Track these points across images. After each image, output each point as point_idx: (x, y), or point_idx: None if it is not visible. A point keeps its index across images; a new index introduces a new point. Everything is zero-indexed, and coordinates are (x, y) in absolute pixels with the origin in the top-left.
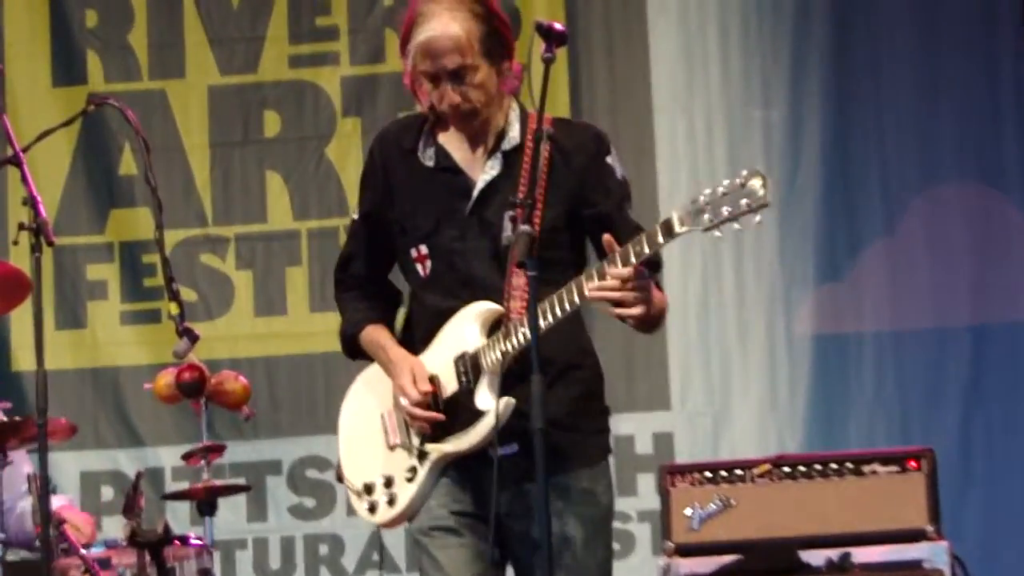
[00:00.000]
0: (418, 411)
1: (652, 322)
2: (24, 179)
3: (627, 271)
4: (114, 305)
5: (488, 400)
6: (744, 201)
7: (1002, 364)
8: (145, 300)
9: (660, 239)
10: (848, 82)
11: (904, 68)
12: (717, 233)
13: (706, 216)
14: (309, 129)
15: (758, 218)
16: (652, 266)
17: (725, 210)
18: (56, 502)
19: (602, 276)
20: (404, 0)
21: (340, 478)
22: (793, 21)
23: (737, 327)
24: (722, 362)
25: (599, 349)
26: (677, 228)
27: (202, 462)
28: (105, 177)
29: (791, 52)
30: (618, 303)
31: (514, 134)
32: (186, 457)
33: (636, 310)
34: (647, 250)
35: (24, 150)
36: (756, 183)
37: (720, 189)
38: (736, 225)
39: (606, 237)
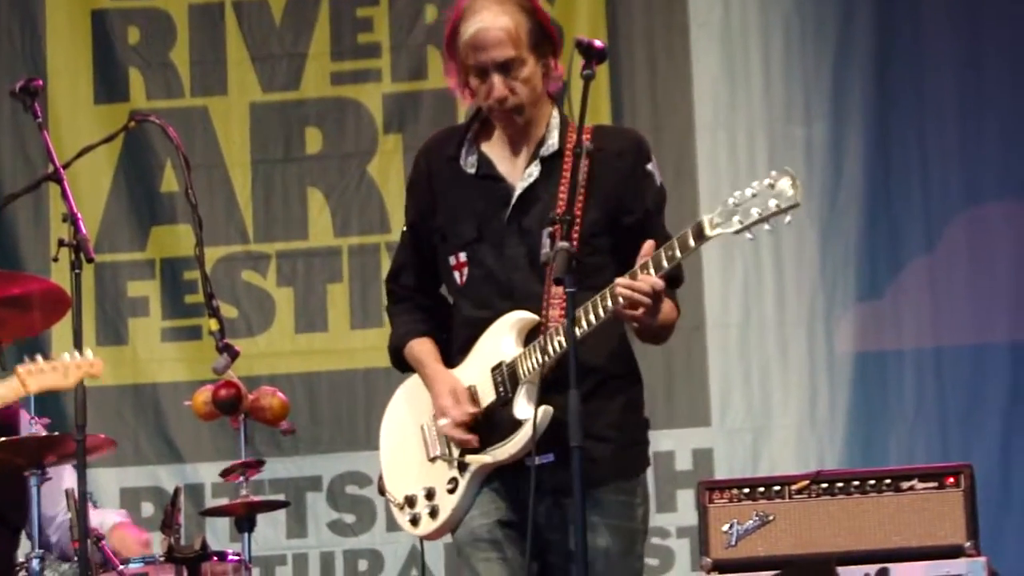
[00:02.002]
0: (458, 433)
1: (656, 333)
2: (64, 195)
3: (659, 282)
4: (155, 322)
5: (526, 410)
6: (774, 202)
7: None
8: (186, 317)
9: (692, 243)
10: (890, 99)
11: (947, 85)
12: (748, 235)
13: (736, 218)
14: (351, 146)
15: (788, 218)
16: (672, 282)
17: (755, 211)
18: (113, 517)
19: (634, 279)
20: (446, 17)
21: (382, 491)
22: (835, 38)
23: (777, 344)
24: (762, 379)
25: (639, 366)
26: (708, 231)
27: (241, 478)
28: (146, 194)
29: (833, 69)
30: (633, 305)
31: (552, 141)
32: (225, 474)
33: (639, 312)
34: (679, 254)
35: (65, 166)
36: (785, 183)
37: (749, 191)
38: (766, 226)
39: (648, 243)
